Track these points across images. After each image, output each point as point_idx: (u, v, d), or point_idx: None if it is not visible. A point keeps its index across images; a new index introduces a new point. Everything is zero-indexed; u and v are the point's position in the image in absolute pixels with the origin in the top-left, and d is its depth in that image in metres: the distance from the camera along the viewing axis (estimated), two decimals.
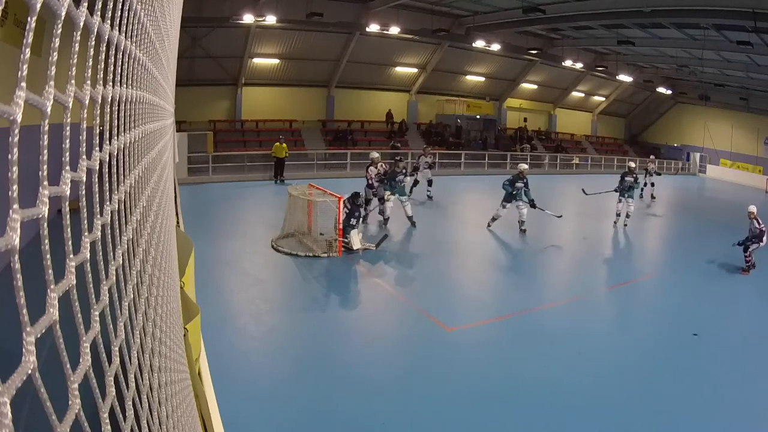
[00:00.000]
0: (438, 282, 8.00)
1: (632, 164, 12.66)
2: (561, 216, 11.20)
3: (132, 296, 0.85)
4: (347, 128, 23.65)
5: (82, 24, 0.53)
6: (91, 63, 0.62)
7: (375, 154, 11.52)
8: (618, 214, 12.48)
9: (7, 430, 0.38)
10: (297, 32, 20.36)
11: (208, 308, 5.47)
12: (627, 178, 12.20)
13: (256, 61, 21.46)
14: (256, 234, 9.92)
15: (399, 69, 24.83)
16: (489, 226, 11.12)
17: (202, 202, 13.40)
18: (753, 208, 8.89)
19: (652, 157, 19.63)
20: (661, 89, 29.80)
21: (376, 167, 11.12)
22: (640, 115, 35.73)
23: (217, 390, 3.22)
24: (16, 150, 0.40)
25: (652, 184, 17.56)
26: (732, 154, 31.25)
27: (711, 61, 22.70)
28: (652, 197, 17.45)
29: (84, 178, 0.58)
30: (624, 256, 10.50)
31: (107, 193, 0.78)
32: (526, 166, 11.19)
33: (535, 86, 29.22)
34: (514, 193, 10.89)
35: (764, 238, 8.69)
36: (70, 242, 0.54)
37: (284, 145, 17.04)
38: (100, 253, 0.66)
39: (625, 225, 12.36)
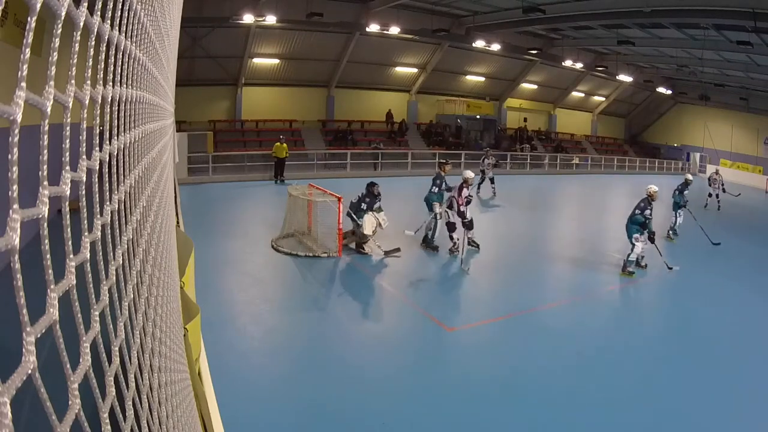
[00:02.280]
0: (438, 282, 8.00)
1: (690, 176, 11.62)
2: (672, 269, 8.72)
3: (132, 296, 0.85)
4: (347, 128, 23.65)
5: (82, 24, 0.53)
6: (91, 63, 0.62)
7: (470, 174, 9.27)
8: (672, 227, 11.65)
9: (7, 430, 0.38)
10: (297, 32, 20.37)
11: (209, 308, 5.47)
12: (685, 192, 11.55)
13: (256, 61, 21.46)
14: (256, 234, 9.91)
15: (399, 69, 24.84)
16: (631, 271, 8.43)
17: (202, 202, 13.40)
18: None
19: (717, 168, 19.25)
20: (661, 89, 29.83)
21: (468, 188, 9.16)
22: (640, 115, 35.75)
23: (217, 390, 3.22)
24: (16, 150, 0.40)
25: (717, 195, 17.10)
26: (732, 154, 31.27)
27: (711, 61, 22.72)
28: (718, 208, 17.03)
29: (84, 178, 0.58)
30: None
31: (107, 193, 0.78)
32: (656, 188, 8.57)
33: (535, 86, 29.24)
34: (647, 222, 8.43)
35: None
36: (70, 242, 0.54)
37: (284, 145, 17.05)
38: (100, 253, 0.66)
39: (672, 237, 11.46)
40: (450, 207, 9.00)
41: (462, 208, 8.83)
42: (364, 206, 8.73)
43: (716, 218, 15.57)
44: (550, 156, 27.49)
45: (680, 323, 6.84)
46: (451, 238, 9.09)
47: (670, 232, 11.55)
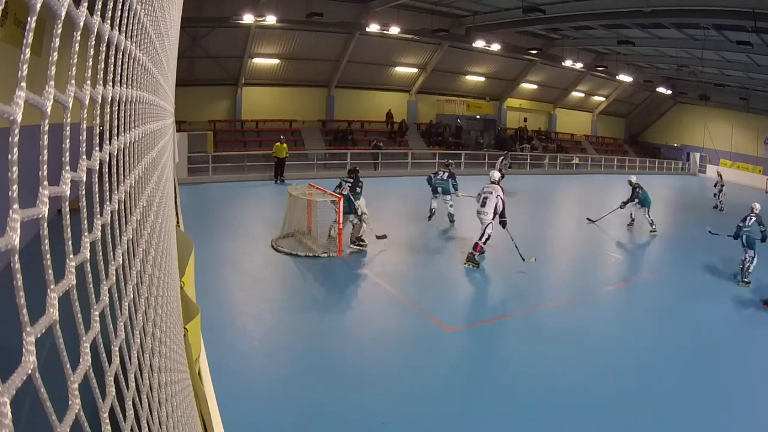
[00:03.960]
0: (438, 282, 7.99)
1: (633, 178, 12.83)
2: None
3: (132, 296, 0.85)
4: (347, 128, 23.65)
5: (82, 24, 0.53)
6: (91, 63, 0.62)
7: (498, 175, 9.18)
8: (633, 218, 12.83)
9: (7, 430, 0.38)
10: (297, 32, 20.36)
11: (209, 308, 5.47)
12: (638, 190, 12.54)
13: (256, 61, 21.45)
14: (256, 234, 9.92)
15: (399, 69, 24.83)
16: (748, 281, 8.21)
17: (202, 202, 13.40)
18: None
19: (718, 170, 19.95)
20: (661, 89, 29.82)
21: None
22: (640, 115, 35.74)
23: (217, 390, 3.22)
24: (16, 150, 0.40)
25: (719, 192, 17.42)
26: (732, 154, 31.27)
27: (711, 61, 22.71)
28: (721, 209, 17.40)
29: (84, 178, 0.58)
30: (624, 255, 10.49)
31: (107, 193, 0.78)
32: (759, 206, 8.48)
33: (535, 86, 29.23)
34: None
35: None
36: (70, 242, 0.54)
37: (284, 145, 17.05)
38: (100, 253, 0.66)
39: (653, 232, 12.33)
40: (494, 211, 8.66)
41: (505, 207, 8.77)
42: (359, 189, 9.07)
43: (718, 218, 15.57)
44: (550, 156, 27.47)
45: (680, 323, 6.83)
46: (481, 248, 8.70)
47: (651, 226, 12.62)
